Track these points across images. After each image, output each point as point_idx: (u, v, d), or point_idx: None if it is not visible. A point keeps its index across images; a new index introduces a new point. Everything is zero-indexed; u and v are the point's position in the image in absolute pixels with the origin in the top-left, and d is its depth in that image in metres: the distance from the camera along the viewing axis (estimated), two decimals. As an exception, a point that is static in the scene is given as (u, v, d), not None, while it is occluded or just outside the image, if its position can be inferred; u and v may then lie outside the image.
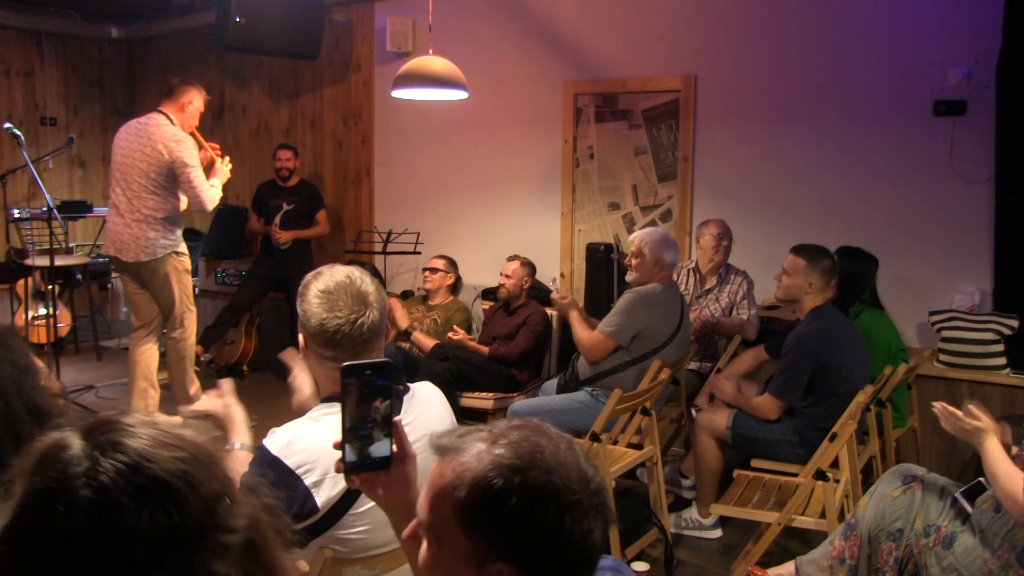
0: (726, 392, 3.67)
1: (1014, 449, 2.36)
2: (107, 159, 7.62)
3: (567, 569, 0.99)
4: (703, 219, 4.55)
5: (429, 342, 4.68)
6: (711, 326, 4.21)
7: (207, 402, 1.87)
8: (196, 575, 0.80)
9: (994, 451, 2.28)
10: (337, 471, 1.22)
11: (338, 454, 1.22)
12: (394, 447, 1.24)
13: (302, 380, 1.91)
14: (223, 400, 1.88)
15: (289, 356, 1.91)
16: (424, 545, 1.06)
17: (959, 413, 2.38)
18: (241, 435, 1.82)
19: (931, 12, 4.21)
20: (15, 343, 1.42)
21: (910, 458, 3.89)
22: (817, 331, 3.34)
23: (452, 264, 5.19)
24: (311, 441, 1.62)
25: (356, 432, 1.20)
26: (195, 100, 4.46)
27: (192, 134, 4.44)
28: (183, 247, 4.54)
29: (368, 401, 1.20)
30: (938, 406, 2.46)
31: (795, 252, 3.48)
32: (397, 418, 1.23)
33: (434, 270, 5.11)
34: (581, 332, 3.78)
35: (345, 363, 1.18)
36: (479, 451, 1.02)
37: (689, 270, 4.45)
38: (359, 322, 1.66)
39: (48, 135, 7.13)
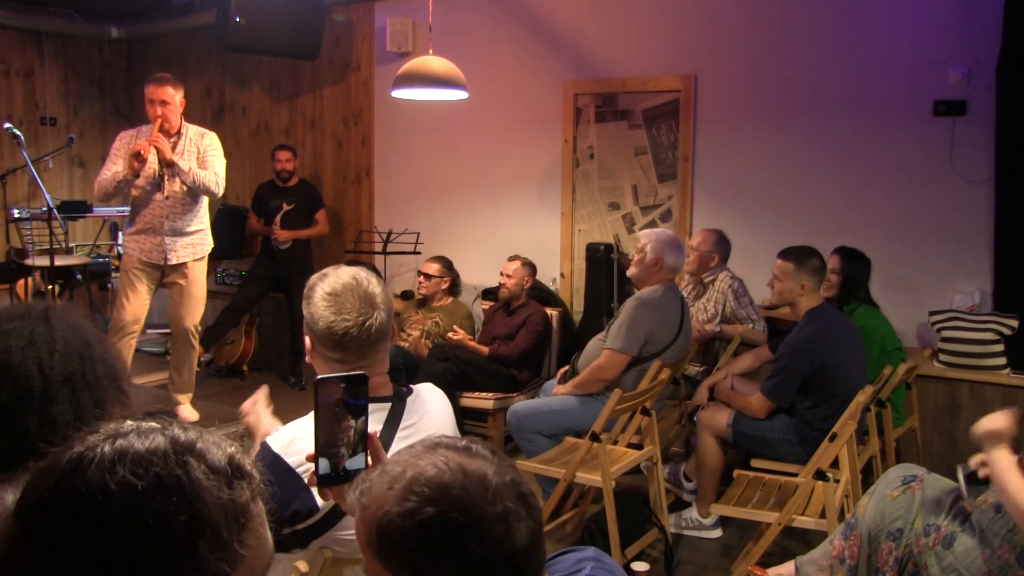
0: (721, 389, 3.68)
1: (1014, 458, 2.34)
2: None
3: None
4: (703, 219, 4.54)
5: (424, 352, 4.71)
6: (714, 335, 4.20)
7: (247, 407, 1.92)
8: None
9: (1004, 463, 2.26)
10: (310, 484, 1.21)
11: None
12: (369, 460, 1.23)
13: (257, 421, 1.92)
14: (258, 407, 1.91)
15: (247, 409, 1.93)
16: None
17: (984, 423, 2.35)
18: None
19: (931, 12, 4.21)
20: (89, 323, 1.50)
21: (910, 458, 3.89)
22: (812, 335, 3.34)
23: (447, 267, 5.09)
24: (311, 441, 1.62)
25: (331, 446, 1.19)
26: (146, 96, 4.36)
27: (159, 126, 4.27)
28: (126, 248, 4.49)
29: (343, 416, 1.18)
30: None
31: (782, 256, 3.48)
32: (372, 431, 1.22)
33: (428, 276, 5.02)
34: (588, 373, 3.71)
35: (319, 376, 1.17)
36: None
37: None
38: (367, 324, 1.65)
39: (48, 135, 7.12)
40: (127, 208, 4.61)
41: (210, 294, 6.55)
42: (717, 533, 3.62)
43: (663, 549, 3.35)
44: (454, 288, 5.14)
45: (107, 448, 0.80)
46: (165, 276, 4.48)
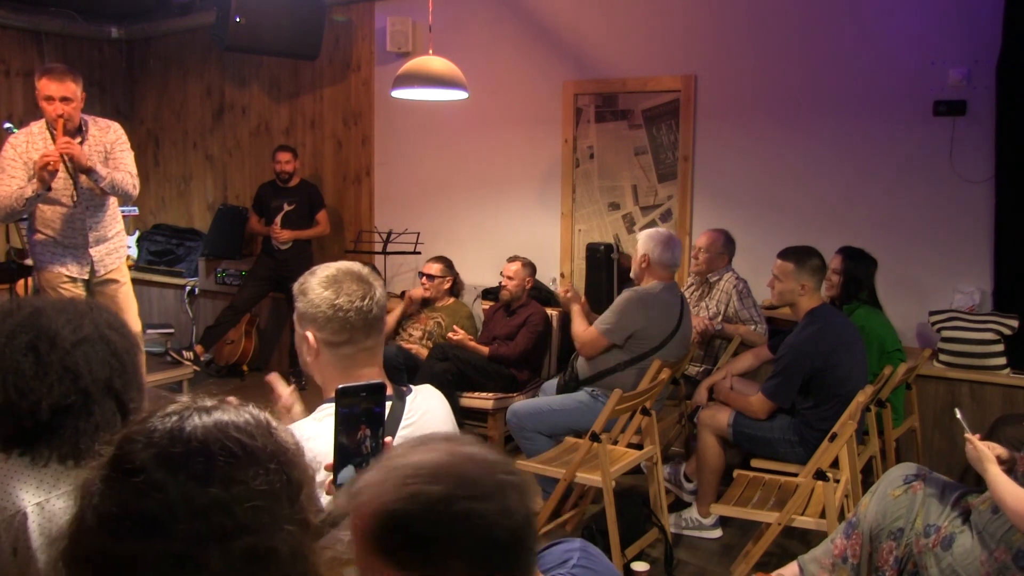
0: (720, 389, 3.68)
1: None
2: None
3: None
4: (703, 219, 4.52)
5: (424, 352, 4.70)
6: (715, 332, 4.20)
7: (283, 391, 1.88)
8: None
9: (998, 478, 2.28)
10: (328, 493, 1.22)
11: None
12: None
13: (291, 401, 1.89)
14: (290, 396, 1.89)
15: (275, 379, 1.90)
16: None
17: (974, 440, 2.38)
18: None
19: (931, 12, 4.21)
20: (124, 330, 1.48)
21: (911, 458, 3.89)
22: (812, 336, 3.34)
23: (448, 267, 5.12)
24: (316, 442, 1.62)
25: (349, 455, 1.20)
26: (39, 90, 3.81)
27: (61, 127, 3.77)
28: (44, 265, 4.03)
29: (362, 426, 1.20)
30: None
31: (782, 256, 3.48)
32: (388, 439, 1.23)
33: (431, 277, 5.04)
34: (578, 327, 3.84)
35: (340, 386, 1.18)
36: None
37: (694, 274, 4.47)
38: (367, 298, 1.69)
39: (48, 135, 7.11)
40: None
41: (210, 294, 6.58)
42: (717, 533, 3.62)
43: (663, 549, 3.36)
44: (455, 288, 5.15)
45: (207, 418, 0.91)
46: (92, 285, 4.11)
